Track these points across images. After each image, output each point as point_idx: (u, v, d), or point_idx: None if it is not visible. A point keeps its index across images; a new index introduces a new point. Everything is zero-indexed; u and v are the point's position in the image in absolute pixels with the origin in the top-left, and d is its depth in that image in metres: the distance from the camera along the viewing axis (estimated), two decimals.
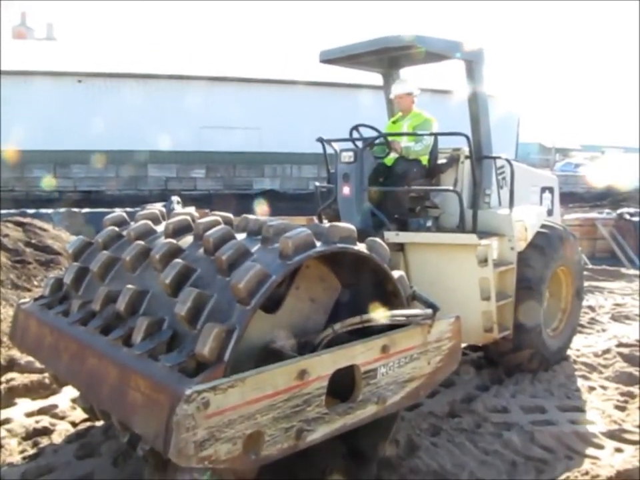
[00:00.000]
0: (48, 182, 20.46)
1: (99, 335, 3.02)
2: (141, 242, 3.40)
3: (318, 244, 2.95)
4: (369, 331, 3.17)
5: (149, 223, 3.68)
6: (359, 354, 2.99)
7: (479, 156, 4.86)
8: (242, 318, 2.56)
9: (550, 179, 6.54)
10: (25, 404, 4.53)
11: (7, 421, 4.22)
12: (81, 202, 17.72)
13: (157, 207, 4.16)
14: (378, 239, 3.32)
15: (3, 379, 4.79)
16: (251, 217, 3.44)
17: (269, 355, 3.02)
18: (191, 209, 12.28)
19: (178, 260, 2.98)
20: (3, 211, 10.60)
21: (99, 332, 3.05)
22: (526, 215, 5.05)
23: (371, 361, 3.05)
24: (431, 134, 4.95)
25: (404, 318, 3.24)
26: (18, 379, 4.77)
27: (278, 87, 24.27)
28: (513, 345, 4.99)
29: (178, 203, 12.65)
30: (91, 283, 3.56)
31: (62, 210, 11.61)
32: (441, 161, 5.19)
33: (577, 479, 3.39)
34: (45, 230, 7.65)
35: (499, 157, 5.07)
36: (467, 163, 4.99)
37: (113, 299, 3.15)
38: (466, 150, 4.92)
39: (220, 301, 2.71)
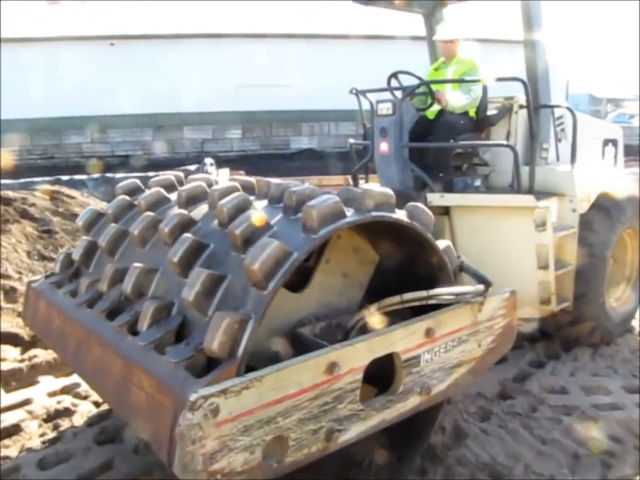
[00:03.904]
0: None
1: (105, 319, 2.70)
2: (151, 213, 3.03)
3: (349, 212, 2.51)
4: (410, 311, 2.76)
5: (161, 190, 3.30)
6: (399, 340, 2.58)
7: (537, 105, 4.25)
8: (258, 305, 2.16)
9: (613, 130, 5.84)
10: (48, 382, 4.33)
11: (28, 401, 4.03)
12: (118, 167, 17.64)
13: (171, 174, 3.76)
14: (420, 204, 2.85)
15: (26, 355, 4.61)
16: (273, 181, 3.01)
17: (294, 342, 2.64)
18: (225, 171, 11.85)
19: (187, 235, 2.59)
20: (37, 179, 10.45)
21: (105, 316, 2.72)
22: (589, 171, 4.46)
23: (413, 347, 2.64)
24: (481, 80, 4.33)
25: (452, 296, 2.79)
26: (41, 355, 4.57)
27: (313, 42, 23.38)
28: (572, 317, 4.49)
29: (211, 164, 12.38)
30: (101, 259, 3.24)
31: (96, 176, 11.40)
32: (491, 111, 4.59)
33: None
34: (72, 197, 7.42)
35: (558, 106, 4.45)
36: (522, 113, 4.41)
37: (120, 278, 2.81)
38: (520, 99, 4.33)
39: (234, 284, 2.32)
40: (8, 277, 5.67)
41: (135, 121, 21.53)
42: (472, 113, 4.48)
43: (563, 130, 4.67)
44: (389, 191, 2.68)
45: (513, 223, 4.04)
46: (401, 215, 2.71)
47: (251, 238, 2.39)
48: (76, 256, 3.34)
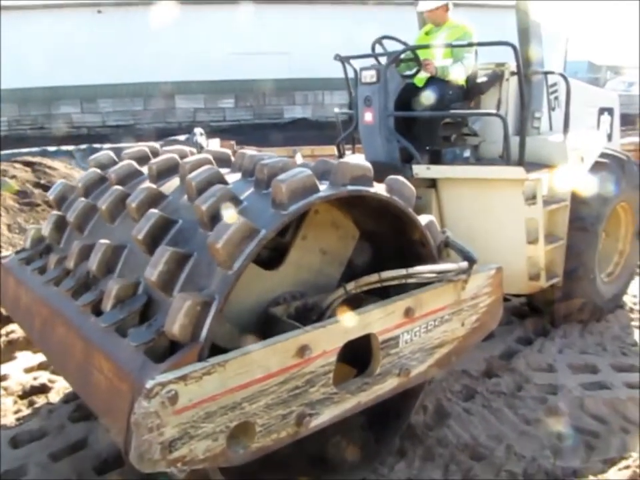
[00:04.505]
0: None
1: (70, 298, 2.58)
2: (120, 187, 2.89)
3: (323, 187, 2.37)
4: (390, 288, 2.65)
5: (133, 163, 3.15)
6: (376, 320, 2.47)
7: (529, 71, 4.05)
8: (222, 286, 2.04)
9: (609, 98, 5.64)
10: (25, 358, 4.24)
11: (4, 377, 3.96)
12: (109, 137, 17.30)
13: (145, 145, 3.60)
14: (400, 177, 2.71)
15: (3, 331, 4.50)
16: (248, 152, 2.86)
17: (266, 322, 2.53)
18: (216, 141, 11.52)
19: (153, 210, 2.46)
20: (24, 150, 10.21)
21: (71, 295, 2.61)
22: (583, 141, 4.30)
23: (391, 327, 2.54)
24: (471, 44, 4.08)
25: (433, 275, 2.67)
26: (18, 331, 4.45)
27: (308, 8, 22.78)
28: (562, 292, 4.37)
29: (201, 134, 12.11)
30: (72, 234, 3.11)
31: (83, 146, 11.15)
32: (482, 79, 4.38)
33: (636, 461, 2.84)
34: (55, 169, 7.23)
35: (551, 72, 4.26)
36: (513, 80, 4.21)
37: (88, 255, 2.68)
38: (512, 65, 4.14)
39: (200, 262, 2.20)
40: None
41: (125, 90, 21.08)
42: (461, 80, 4.29)
43: (556, 98, 4.49)
44: (367, 164, 2.54)
45: (502, 196, 3.90)
46: (379, 188, 2.58)
47: (218, 214, 2.26)
48: (45, 232, 3.21)
